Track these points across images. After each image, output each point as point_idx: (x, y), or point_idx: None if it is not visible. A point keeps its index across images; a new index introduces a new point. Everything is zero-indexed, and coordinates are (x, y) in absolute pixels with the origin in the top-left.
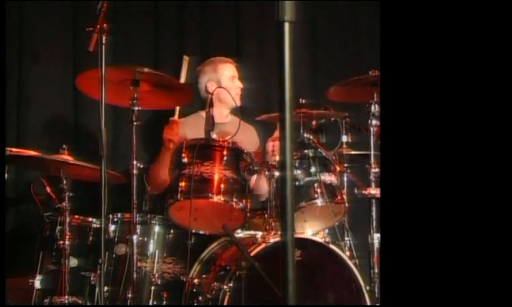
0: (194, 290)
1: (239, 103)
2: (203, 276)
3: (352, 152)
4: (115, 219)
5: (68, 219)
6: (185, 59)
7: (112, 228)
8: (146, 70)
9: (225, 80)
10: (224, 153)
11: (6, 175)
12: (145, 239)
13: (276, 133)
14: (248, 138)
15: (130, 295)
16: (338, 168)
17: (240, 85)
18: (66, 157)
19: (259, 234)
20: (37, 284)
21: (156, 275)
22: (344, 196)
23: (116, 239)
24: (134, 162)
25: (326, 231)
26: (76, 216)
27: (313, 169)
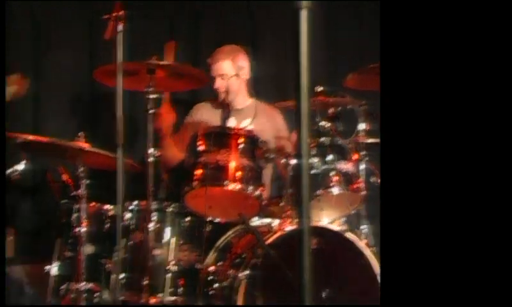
0: (210, 278)
1: (245, 90)
2: (219, 264)
3: (369, 140)
4: (131, 207)
5: (84, 206)
6: (169, 45)
7: (128, 215)
8: (161, 62)
9: (229, 72)
10: (240, 140)
11: (23, 163)
12: (161, 227)
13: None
14: (270, 122)
15: (145, 282)
16: (354, 156)
17: (243, 69)
18: (83, 144)
19: (275, 222)
20: (54, 271)
21: (172, 263)
22: (361, 185)
23: (132, 227)
24: (150, 150)
25: (343, 219)
26: (92, 203)
27: (329, 157)
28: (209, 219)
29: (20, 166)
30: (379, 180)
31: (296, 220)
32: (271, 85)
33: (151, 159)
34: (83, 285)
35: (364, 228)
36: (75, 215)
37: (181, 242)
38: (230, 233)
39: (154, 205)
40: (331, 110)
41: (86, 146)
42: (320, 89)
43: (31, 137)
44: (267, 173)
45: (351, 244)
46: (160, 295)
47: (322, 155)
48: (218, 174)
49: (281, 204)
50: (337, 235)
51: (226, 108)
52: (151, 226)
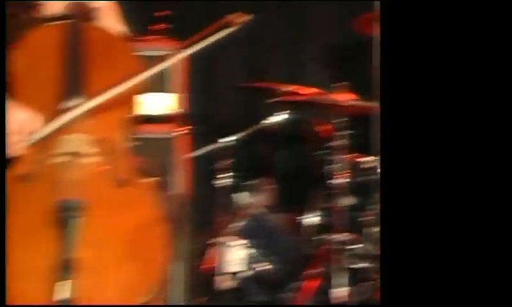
0: None
1: None
2: None
3: None
4: None
5: (341, 158)
6: None
7: None
8: None
9: None
10: None
11: (282, 113)
12: None
13: None
14: None
15: None
16: None
17: None
18: (344, 96)
19: None
20: (309, 221)
21: None
22: None
23: None
24: None
25: None
26: (350, 155)
27: None
28: None
29: (279, 117)
30: None
31: None
32: None
33: None
34: (339, 236)
35: None
36: (331, 166)
37: None
38: None
39: None
40: None
41: (346, 97)
42: None
43: (290, 89)
44: None
45: None
46: None
47: None
48: None
49: None
50: None
51: None
52: None
